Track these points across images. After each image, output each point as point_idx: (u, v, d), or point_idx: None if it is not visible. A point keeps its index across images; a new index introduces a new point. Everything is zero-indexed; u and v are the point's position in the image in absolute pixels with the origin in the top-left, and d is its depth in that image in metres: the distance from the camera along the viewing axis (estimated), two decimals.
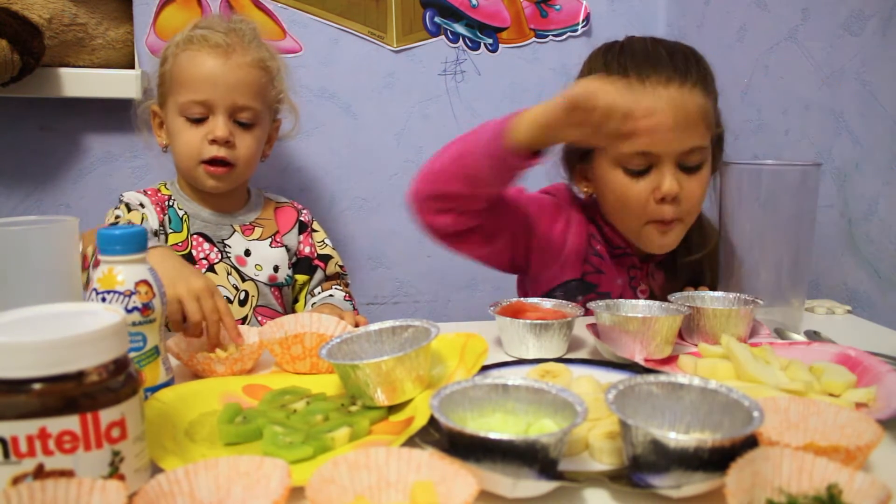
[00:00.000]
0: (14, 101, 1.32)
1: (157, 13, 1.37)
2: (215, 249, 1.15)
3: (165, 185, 1.20)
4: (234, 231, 1.18)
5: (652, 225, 0.96)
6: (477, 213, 0.89)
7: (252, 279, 1.17)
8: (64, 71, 1.28)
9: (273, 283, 1.18)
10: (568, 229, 1.01)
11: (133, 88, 1.31)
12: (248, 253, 1.17)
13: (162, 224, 1.14)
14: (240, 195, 1.22)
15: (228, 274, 1.15)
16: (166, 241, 1.14)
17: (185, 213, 1.16)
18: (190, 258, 1.13)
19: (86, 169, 1.40)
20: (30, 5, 1.20)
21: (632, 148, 0.91)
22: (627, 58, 0.95)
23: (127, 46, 1.36)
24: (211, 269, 1.14)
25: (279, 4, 1.42)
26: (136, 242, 0.62)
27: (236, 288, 1.15)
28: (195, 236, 1.15)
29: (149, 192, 1.17)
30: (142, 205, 1.14)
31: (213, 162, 1.11)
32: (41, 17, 1.21)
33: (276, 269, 1.19)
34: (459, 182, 0.86)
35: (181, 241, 1.14)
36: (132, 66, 1.35)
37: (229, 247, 1.17)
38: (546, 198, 1.04)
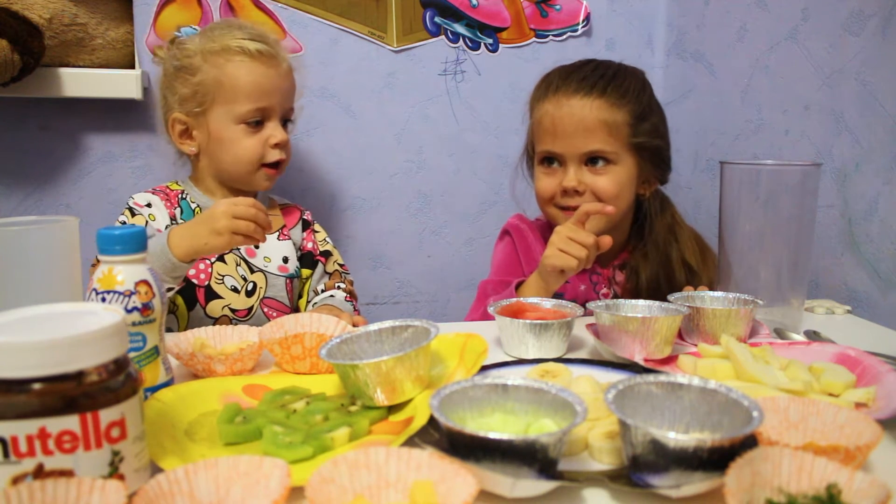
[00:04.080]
0: (14, 101, 1.32)
1: (157, 13, 1.37)
2: None
3: (176, 182, 1.22)
4: None
5: (560, 211, 1.12)
6: None
7: (261, 270, 1.18)
8: (64, 71, 1.28)
9: (285, 275, 1.20)
10: (530, 255, 1.18)
11: (133, 88, 1.31)
12: (256, 245, 1.19)
13: (173, 218, 1.15)
14: (249, 195, 1.22)
15: (237, 265, 1.16)
16: None
17: (198, 205, 1.18)
18: None
19: (86, 169, 1.40)
20: (30, 5, 1.20)
21: (541, 148, 1.11)
22: (555, 74, 1.12)
23: (127, 46, 1.36)
24: (220, 258, 1.15)
25: (279, 4, 1.42)
26: (135, 242, 0.62)
27: (244, 279, 1.16)
28: None
29: (158, 190, 1.19)
30: (149, 204, 1.15)
31: (273, 164, 1.18)
32: (41, 17, 1.21)
33: (285, 259, 1.21)
34: None
35: None
36: (132, 66, 1.35)
37: None
38: (506, 246, 1.22)
